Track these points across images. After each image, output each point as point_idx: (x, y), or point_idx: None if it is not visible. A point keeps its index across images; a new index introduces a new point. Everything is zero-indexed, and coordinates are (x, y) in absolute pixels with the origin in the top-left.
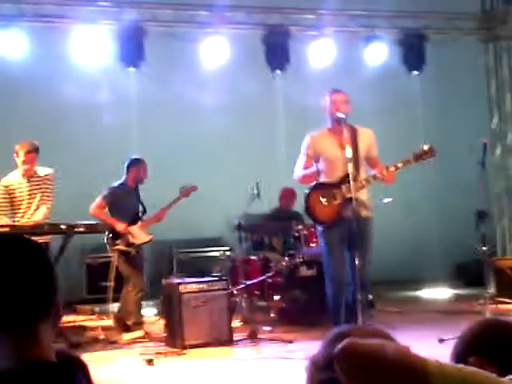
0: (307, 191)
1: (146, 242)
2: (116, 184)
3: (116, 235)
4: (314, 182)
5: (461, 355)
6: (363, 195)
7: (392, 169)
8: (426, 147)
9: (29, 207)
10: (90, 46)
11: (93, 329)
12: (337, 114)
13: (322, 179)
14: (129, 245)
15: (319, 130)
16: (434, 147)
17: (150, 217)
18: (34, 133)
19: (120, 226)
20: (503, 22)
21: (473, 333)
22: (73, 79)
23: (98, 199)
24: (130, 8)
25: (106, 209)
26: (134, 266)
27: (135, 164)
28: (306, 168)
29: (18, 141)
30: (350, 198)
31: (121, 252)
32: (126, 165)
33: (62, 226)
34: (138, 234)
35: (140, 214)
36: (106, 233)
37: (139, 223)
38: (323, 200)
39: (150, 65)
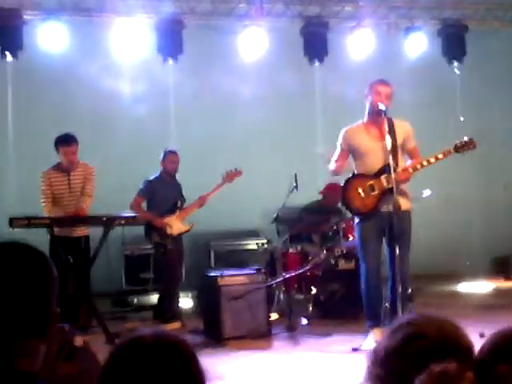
0: (344, 182)
1: (184, 232)
2: (151, 177)
3: (152, 228)
4: (352, 173)
5: (489, 363)
6: (403, 187)
7: (433, 160)
8: (466, 139)
9: (70, 200)
10: (129, 39)
11: (131, 320)
12: (379, 106)
13: (360, 171)
14: (165, 237)
15: (355, 123)
16: (475, 140)
17: (187, 206)
18: (74, 125)
19: (158, 222)
20: None
21: (501, 340)
22: (112, 72)
23: (135, 195)
24: (169, 0)
25: (144, 203)
26: (170, 259)
27: (164, 156)
28: (338, 161)
29: (57, 133)
30: (389, 189)
31: (157, 244)
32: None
33: (103, 218)
34: (175, 225)
35: (178, 205)
36: (144, 226)
37: (177, 213)
38: (361, 190)
39: (188, 57)
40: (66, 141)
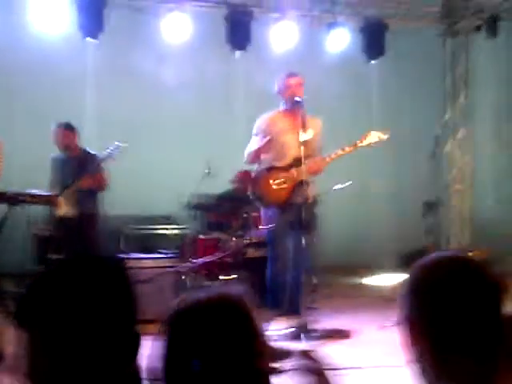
0: (255, 176)
1: (69, 215)
2: (55, 154)
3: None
4: (264, 166)
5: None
6: (310, 179)
7: (340, 152)
8: (374, 134)
9: None
10: (49, 13)
11: None
12: (294, 98)
13: (272, 162)
14: (52, 219)
15: (271, 111)
16: (382, 136)
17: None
18: None
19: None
20: (462, 18)
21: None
22: (30, 47)
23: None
24: None
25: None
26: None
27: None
28: (262, 151)
29: None
30: (301, 182)
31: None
32: None
33: (8, 194)
34: (62, 206)
35: (70, 183)
36: None
37: (65, 193)
38: (273, 183)
39: (110, 36)
40: None
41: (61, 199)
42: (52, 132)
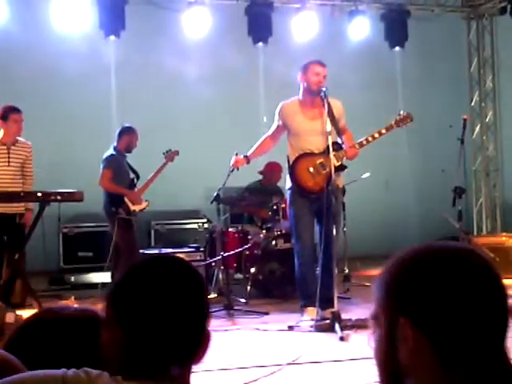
0: (293, 162)
1: (143, 209)
2: (111, 152)
3: (117, 203)
4: (300, 153)
5: (389, 310)
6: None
7: (377, 135)
8: (404, 113)
9: (7, 175)
10: (71, 13)
11: (67, 298)
12: (320, 87)
13: (290, 150)
14: (129, 213)
15: (291, 99)
16: (411, 113)
17: (143, 183)
18: (12, 99)
19: (132, 196)
20: (486, 0)
21: (406, 273)
22: (53, 46)
23: (103, 171)
24: None
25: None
26: (132, 239)
27: (128, 132)
28: (273, 135)
29: None
30: (339, 167)
31: (121, 222)
32: (118, 132)
33: (39, 194)
34: (140, 201)
35: (135, 181)
36: (104, 202)
37: (136, 190)
38: (311, 169)
39: (131, 34)
40: (16, 109)
41: (139, 194)
42: (129, 136)
